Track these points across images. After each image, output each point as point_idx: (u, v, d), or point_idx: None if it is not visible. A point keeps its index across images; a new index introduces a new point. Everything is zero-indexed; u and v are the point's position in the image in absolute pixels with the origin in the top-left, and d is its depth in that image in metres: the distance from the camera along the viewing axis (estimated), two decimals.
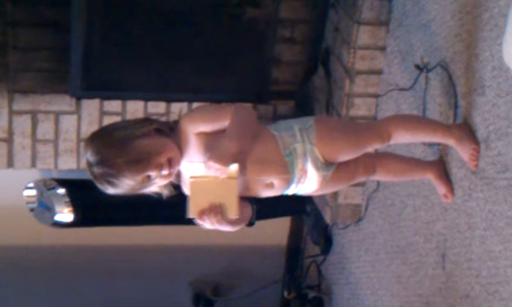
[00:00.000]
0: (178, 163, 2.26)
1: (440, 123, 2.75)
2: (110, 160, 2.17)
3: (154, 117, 2.37)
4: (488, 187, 2.53)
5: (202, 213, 2.17)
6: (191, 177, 2.16)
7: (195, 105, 3.61)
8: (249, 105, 3.67)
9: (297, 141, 2.39)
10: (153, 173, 2.20)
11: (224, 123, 2.25)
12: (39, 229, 3.77)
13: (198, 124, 2.26)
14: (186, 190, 2.37)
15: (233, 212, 2.18)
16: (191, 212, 2.17)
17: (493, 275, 2.51)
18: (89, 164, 2.21)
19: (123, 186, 2.19)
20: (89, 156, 2.21)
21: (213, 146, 2.23)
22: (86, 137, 2.33)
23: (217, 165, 2.13)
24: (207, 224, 2.18)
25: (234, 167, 2.15)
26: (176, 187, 2.32)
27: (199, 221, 2.18)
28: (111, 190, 2.21)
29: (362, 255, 3.57)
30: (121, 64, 3.49)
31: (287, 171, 2.38)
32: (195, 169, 2.17)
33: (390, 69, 3.25)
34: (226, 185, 2.16)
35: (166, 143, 2.23)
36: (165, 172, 2.21)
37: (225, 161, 2.15)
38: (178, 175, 2.31)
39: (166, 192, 2.29)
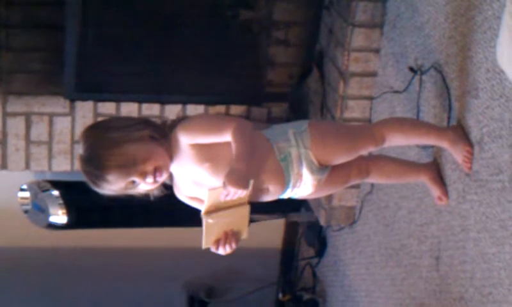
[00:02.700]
0: (166, 171, 2.25)
1: (433, 126, 2.75)
2: (97, 160, 2.18)
3: (154, 119, 2.36)
4: (481, 190, 2.53)
5: (217, 243, 2.16)
6: (205, 213, 2.11)
7: (189, 107, 3.60)
8: (243, 107, 3.67)
9: (292, 145, 2.39)
10: (137, 179, 2.20)
11: (222, 138, 2.23)
12: (33, 231, 3.76)
13: (195, 136, 2.25)
14: (180, 195, 2.37)
15: (244, 235, 2.17)
16: (206, 244, 2.14)
17: (487, 277, 2.51)
18: (80, 158, 2.23)
19: (106, 188, 2.20)
20: (81, 149, 2.23)
21: (210, 159, 2.23)
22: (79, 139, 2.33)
23: (238, 191, 2.08)
24: (221, 251, 2.17)
25: (250, 186, 2.10)
26: (168, 187, 2.32)
27: (213, 250, 2.17)
28: (96, 189, 2.22)
29: (356, 257, 3.57)
30: (115, 66, 3.48)
31: (283, 176, 2.38)
32: (213, 195, 2.10)
33: (384, 71, 3.25)
34: (239, 212, 2.13)
35: (156, 151, 2.22)
36: (150, 180, 2.21)
37: (244, 184, 2.08)
38: (171, 177, 2.31)
39: (155, 193, 2.29)
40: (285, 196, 2.46)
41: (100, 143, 2.20)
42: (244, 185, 2.08)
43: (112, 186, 2.20)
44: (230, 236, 2.15)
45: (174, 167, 2.28)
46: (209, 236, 2.14)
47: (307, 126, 2.43)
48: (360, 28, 3.24)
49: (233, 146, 2.18)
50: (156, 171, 2.21)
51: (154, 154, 2.21)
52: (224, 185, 2.08)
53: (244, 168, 2.11)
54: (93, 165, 2.18)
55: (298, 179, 2.41)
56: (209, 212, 2.11)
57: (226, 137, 2.22)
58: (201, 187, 2.29)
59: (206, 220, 2.12)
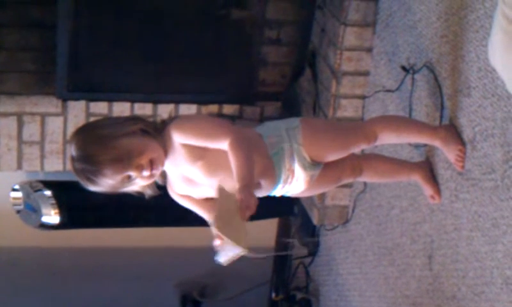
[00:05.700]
0: (161, 164, 2.24)
1: (426, 124, 2.76)
2: (91, 156, 2.16)
3: (143, 117, 2.35)
4: (474, 188, 2.53)
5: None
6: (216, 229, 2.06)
7: (182, 106, 3.60)
8: (235, 107, 3.67)
9: (284, 141, 2.40)
10: (133, 173, 2.18)
11: (217, 145, 2.22)
12: (25, 231, 3.76)
13: (189, 138, 2.24)
14: (172, 193, 2.36)
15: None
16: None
17: (480, 276, 2.52)
18: (72, 158, 2.20)
19: (102, 184, 2.18)
20: (72, 150, 2.21)
21: (203, 157, 2.23)
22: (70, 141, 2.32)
23: (250, 199, 2.06)
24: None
25: None
26: (161, 187, 2.32)
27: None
28: (91, 187, 2.20)
29: (349, 256, 3.57)
30: (107, 66, 3.47)
31: (274, 171, 2.38)
32: (227, 198, 2.07)
33: (376, 70, 3.25)
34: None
35: (149, 144, 2.21)
36: (146, 173, 2.19)
37: (252, 194, 2.09)
38: (164, 176, 2.31)
39: (149, 192, 2.28)
40: (277, 192, 2.45)
41: (93, 139, 2.18)
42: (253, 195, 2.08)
43: (109, 180, 2.17)
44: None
45: (167, 164, 2.27)
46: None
47: (299, 122, 2.44)
48: (353, 27, 3.25)
49: (233, 160, 2.17)
50: (152, 164, 2.20)
51: (148, 147, 2.20)
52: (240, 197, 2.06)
53: (250, 182, 2.12)
54: (88, 162, 2.16)
55: (290, 175, 2.41)
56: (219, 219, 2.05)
57: (220, 146, 2.21)
58: (194, 185, 2.29)
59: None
